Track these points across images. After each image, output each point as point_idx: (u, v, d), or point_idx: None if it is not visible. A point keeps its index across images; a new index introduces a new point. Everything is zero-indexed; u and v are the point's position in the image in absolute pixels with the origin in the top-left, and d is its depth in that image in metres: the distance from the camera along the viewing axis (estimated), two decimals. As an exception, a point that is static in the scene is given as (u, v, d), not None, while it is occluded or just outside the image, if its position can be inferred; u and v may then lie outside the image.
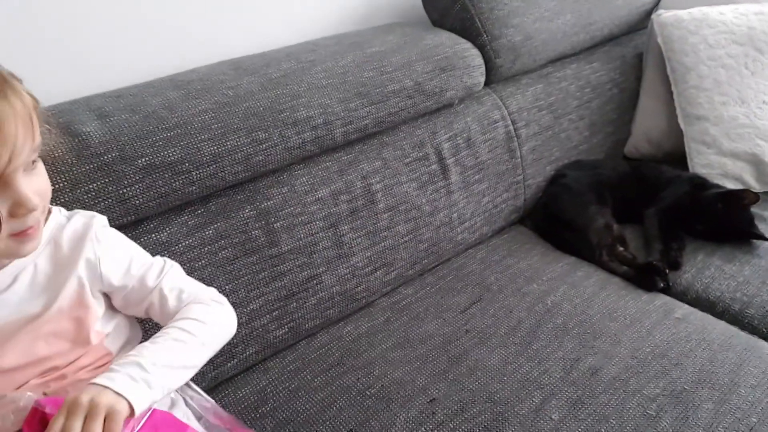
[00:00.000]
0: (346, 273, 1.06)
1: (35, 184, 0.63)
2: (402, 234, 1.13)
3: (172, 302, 0.74)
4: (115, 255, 0.72)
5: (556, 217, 1.29)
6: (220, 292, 0.85)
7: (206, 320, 0.72)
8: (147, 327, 0.84)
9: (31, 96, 0.63)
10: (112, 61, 0.99)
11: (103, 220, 0.74)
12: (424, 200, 1.15)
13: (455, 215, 1.21)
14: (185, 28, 1.05)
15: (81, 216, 0.73)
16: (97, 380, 0.60)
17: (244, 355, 0.97)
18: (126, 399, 0.60)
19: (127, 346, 0.75)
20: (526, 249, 1.25)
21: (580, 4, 1.38)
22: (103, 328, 0.71)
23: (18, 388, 0.65)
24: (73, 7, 0.94)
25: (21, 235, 0.62)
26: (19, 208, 0.60)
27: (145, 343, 0.67)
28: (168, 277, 0.75)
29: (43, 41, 0.92)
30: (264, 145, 0.94)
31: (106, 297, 0.72)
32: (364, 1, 1.24)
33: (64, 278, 0.68)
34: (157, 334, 0.68)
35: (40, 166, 0.65)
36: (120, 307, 0.75)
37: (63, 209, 0.74)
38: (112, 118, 0.85)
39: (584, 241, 1.22)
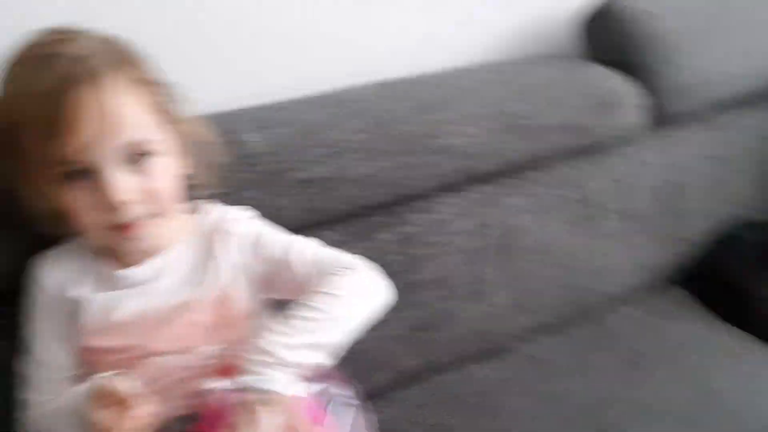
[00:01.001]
0: (484, 312, 1.00)
1: (139, 183, 0.63)
2: (546, 278, 1.05)
3: (312, 278, 0.69)
4: (247, 239, 0.72)
5: (723, 284, 1.14)
6: None
7: (338, 293, 0.67)
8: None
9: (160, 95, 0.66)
10: (271, 75, 1.03)
11: (241, 212, 0.75)
12: (573, 245, 1.08)
13: (606, 265, 1.11)
14: (337, 47, 1.08)
15: (226, 211, 0.75)
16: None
17: (372, 380, 0.94)
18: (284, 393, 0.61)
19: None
20: (685, 315, 1.11)
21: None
22: (246, 309, 0.71)
23: (167, 377, 0.67)
24: (238, 23, 0.99)
25: (121, 231, 0.64)
26: (103, 198, 0.61)
27: (274, 325, 0.65)
28: (297, 247, 0.72)
29: (210, 51, 0.98)
30: (413, 170, 0.93)
31: (253, 284, 0.72)
32: (517, 29, 1.21)
33: (208, 269, 0.70)
34: (286, 312, 0.66)
35: (158, 167, 0.65)
36: (264, 291, 0.73)
37: (218, 205, 0.76)
38: (272, 130, 0.88)
39: (757, 314, 1.07)
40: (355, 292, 0.70)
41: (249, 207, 0.78)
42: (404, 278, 0.95)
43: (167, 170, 0.67)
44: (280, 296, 0.76)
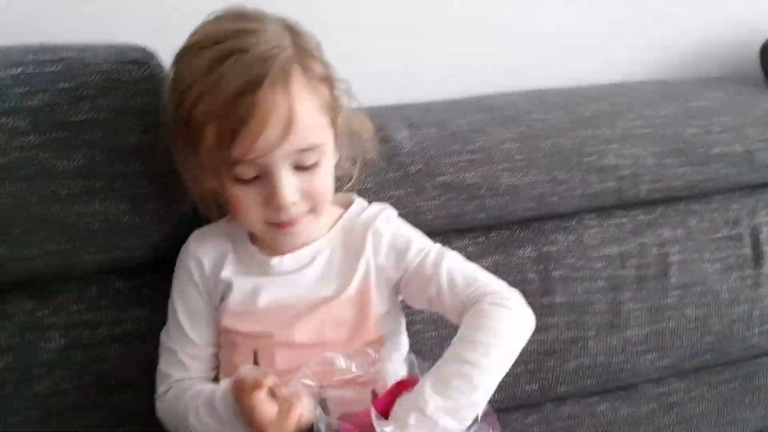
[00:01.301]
0: (616, 345, 0.93)
1: (303, 183, 0.62)
2: (689, 318, 0.96)
3: (462, 305, 0.66)
4: (395, 245, 0.70)
5: None
6: None
7: (497, 339, 0.63)
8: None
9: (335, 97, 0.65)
10: (421, 75, 1.01)
11: (391, 212, 0.73)
12: (724, 286, 0.97)
13: (757, 313, 0.99)
14: (494, 53, 1.03)
15: (373, 206, 0.74)
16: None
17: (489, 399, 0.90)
18: None
19: (394, 336, 0.72)
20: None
21: None
22: (382, 329, 0.69)
23: (298, 369, 0.64)
24: (396, 24, 0.98)
25: (277, 227, 0.64)
26: (272, 199, 0.60)
27: (433, 380, 0.60)
28: (447, 264, 0.68)
29: (361, 44, 0.95)
30: (562, 186, 0.87)
31: (389, 287, 0.70)
32: (691, 49, 1.11)
33: (352, 266, 0.69)
34: (445, 364, 0.62)
35: (322, 168, 0.64)
36: (406, 297, 0.72)
37: (362, 201, 0.74)
38: (421, 131, 0.85)
39: None
40: (513, 334, 0.66)
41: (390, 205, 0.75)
42: (537, 299, 0.90)
43: (328, 169, 0.66)
44: (419, 306, 0.74)
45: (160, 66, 0.70)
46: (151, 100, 0.68)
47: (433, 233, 0.86)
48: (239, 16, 0.62)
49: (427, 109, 0.91)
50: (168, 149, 0.69)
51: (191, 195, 0.71)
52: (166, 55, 0.68)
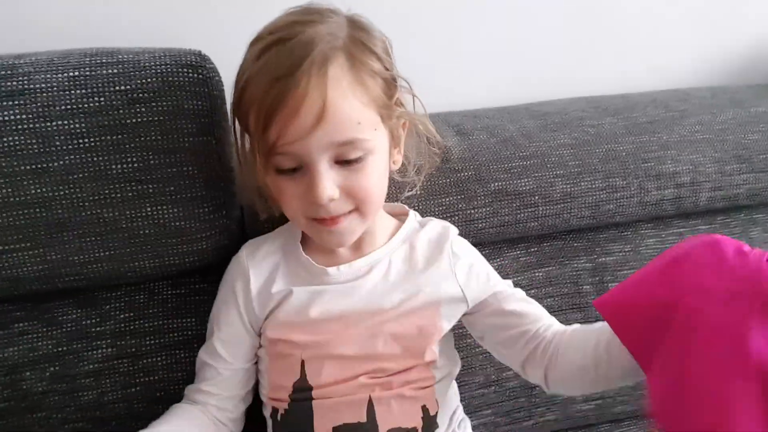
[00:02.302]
0: (676, 362, 0.89)
1: (344, 179, 0.60)
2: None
3: (535, 311, 0.68)
4: (473, 270, 0.68)
5: None
6: None
7: None
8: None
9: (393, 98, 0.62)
10: (470, 81, 0.99)
11: (456, 231, 0.71)
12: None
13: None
14: (544, 58, 1.01)
15: (436, 224, 0.71)
16: None
17: (543, 419, 0.86)
18: None
19: (446, 378, 0.70)
20: None
21: None
22: (436, 349, 0.67)
23: (347, 381, 0.64)
24: (442, 30, 0.96)
25: (319, 223, 0.61)
26: (309, 192, 0.58)
27: None
28: (518, 296, 0.69)
29: (414, 52, 0.95)
30: (618, 194, 0.84)
31: (457, 312, 0.68)
32: (748, 55, 1.09)
33: (417, 283, 0.66)
34: None
35: (368, 166, 0.60)
36: (466, 323, 0.70)
37: (417, 215, 0.73)
38: (471, 137, 0.84)
39: None
40: None
41: (450, 221, 0.73)
42: (593, 312, 0.86)
43: (376, 169, 0.62)
44: (475, 334, 0.72)
45: (214, 69, 0.69)
46: (205, 103, 0.68)
47: (485, 242, 0.85)
48: (306, 10, 0.61)
49: (476, 116, 0.89)
50: (220, 153, 0.69)
51: (248, 194, 0.70)
52: (221, 58, 0.69)
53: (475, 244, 0.81)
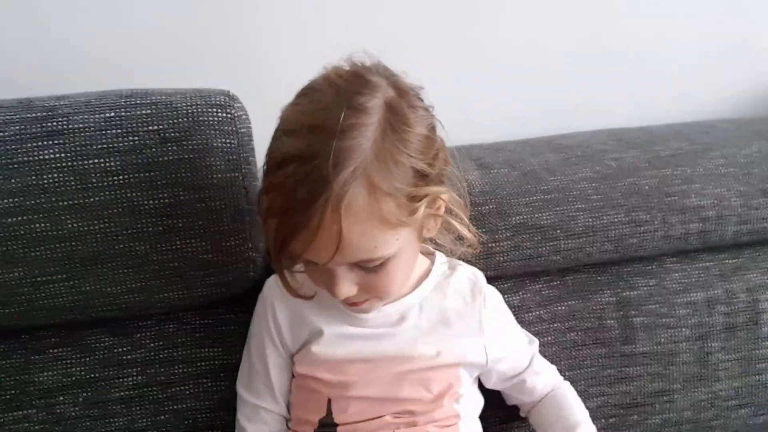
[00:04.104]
0: (704, 399, 0.87)
1: (363, 280, 0.59)
2: (784, 371, 0.89)
3: (539, 387, 0.75)
4: (502, 327, 0.71)
5: None
6: None
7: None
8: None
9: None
10: (490, 115, 1.01)
11: (485, 280, 0.72)
12: (825, 337, 0.90)
13: None
14: (564, 90, 1.03)
15: (465, 270, 0.72)
16: None
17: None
18: None
19: (471, 415, 0.71)
20: None
21: None
22: (461, 391, 0.68)
23: (371, 420, 0.65)
24: (459, 63, 0.98)
25: (347, 304, 0.63)
26: (329, 286, 0.59)
27: None
28: (538, 356, 0.72)
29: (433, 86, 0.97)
30: (642, 228, 0.84)
31: (480, 365, 0.70)
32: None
33: (446, 337, 0.67)
34: None
35: (388, 268, 0.59)
36: (485, 377, 0.72)
37: (442, 255, 0.73)
38: (492, 171, 0.84)
39: None
40: None
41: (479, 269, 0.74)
42: (618, 348, 0.86)
43: (399, 266, 0.60)
44: (495, 387, 0.75)
45: (242, 108, 0.72)
46: (233, 141, 0.70)
47: (506, 276, 0.85)
48: (341, 94, 0.55)
49: (497, 149, 0.90)
50: (247, 188, 0.71)
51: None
52: (249, 98, 0.73)
53: (496, 278, 0.83)
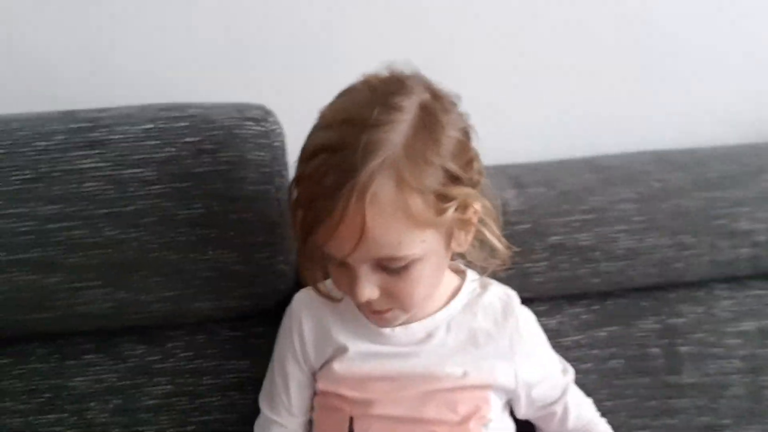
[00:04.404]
0: (757, 437, 0.82)
1: (386, 283, 0.58)
2: None
3: (571, 419, 0.71)
4: (535, 352, 0.68)
5: None
6: (599, 408, 0.75)
7: None
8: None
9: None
10: (528, 134, 0.98)
11: (518, 300, 0.70)
12: None
13: None
14: (603, 110, 0.99)
15: (497, 289, 0.70)
16: None
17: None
18: None
19: None
20: None
21: None
22: (489, 415, 0.65)
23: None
24: (497, 83, 0.96)
25: (371, 314, 0.62)
26: (351, 288, 0.58)
27: None
28: (573, 387, 0.69)
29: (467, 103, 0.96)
30: (688, 252, 0.80)
31: (508, 389, 0.67)
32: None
33: (475, 359, 0.65)
34: None
35: (413, 273, 0.57)
36: (514, 405, 0.69)
37: (474, 273, 0.70)
38: (528, 190, 0.82)
39: None
40: None
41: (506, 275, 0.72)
42: (662, 378, 0.82)
43: (424, 272, 0.59)
44: (518, 414, 0.71)
45: (276, 122, 0.73)
46: (266, 154, 0.71)
47: (543, 298, 0.83)
48: (378, 94, 0.56)
49: (535, 168, 0.88)
50: (279, 201, 0.72)
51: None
52: (285, 112, 0.74)
53: (531, 300, 0.80)
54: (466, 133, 0.60)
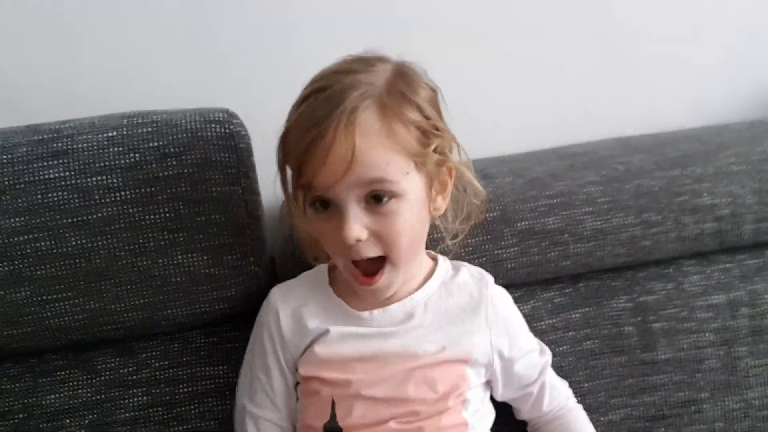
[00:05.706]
0: (736, 408, 0.82)
1: (373, 223, 0.60)
2: (819, 375, 0.84)
3: (546, 401, 0.72)
4: (511, 327, 0.69)
5: None
6: (577, 390, 0.76)
7: None
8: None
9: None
10: (495, 129, 0.99)
11: (492, 279, 0.71)
12: None
13: None
14: (572, 102, 1.02)
15: (470, 269, 0.71)
16: None
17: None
18: None
19: (480, 427, 0.68)
20: None
21: None
22: (469, 395, 0.66)
23: (377, 425, 0.63)
24: (465, 77, 0.97)
25: (357, 278, 0.62)
26: (339, 232, 0.58)
27: None
28: (549, 370, 0.71)
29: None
30: (654, 230, 0.82)
31: (487, 366, 0.68)
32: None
33: (451, 334, 0.66)
34: None
35: (398, 211, 0.60)
36: (492, 385, 0.70)
37: (446, 259, 0.72)
38: (496, 180, 0.83)
39: None
40: None
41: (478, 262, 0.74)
42: (637, 356, 0.82)
43: (408, 214, 0.61)
44: (496, 396, 0.72)
45: (241, 124, 0.74)
46: (231, 155, 0.71)
47: (516, 284, 0.83)
48: (355, 59, 0.63)
49: (502, 161, 0.90)
50: (247, 201, 0.72)
51: (302, 237, 0.72)
52: (250, 114, 0.75)
53: (505, 286, 0.80)
54: (436, 93, 0.65)
